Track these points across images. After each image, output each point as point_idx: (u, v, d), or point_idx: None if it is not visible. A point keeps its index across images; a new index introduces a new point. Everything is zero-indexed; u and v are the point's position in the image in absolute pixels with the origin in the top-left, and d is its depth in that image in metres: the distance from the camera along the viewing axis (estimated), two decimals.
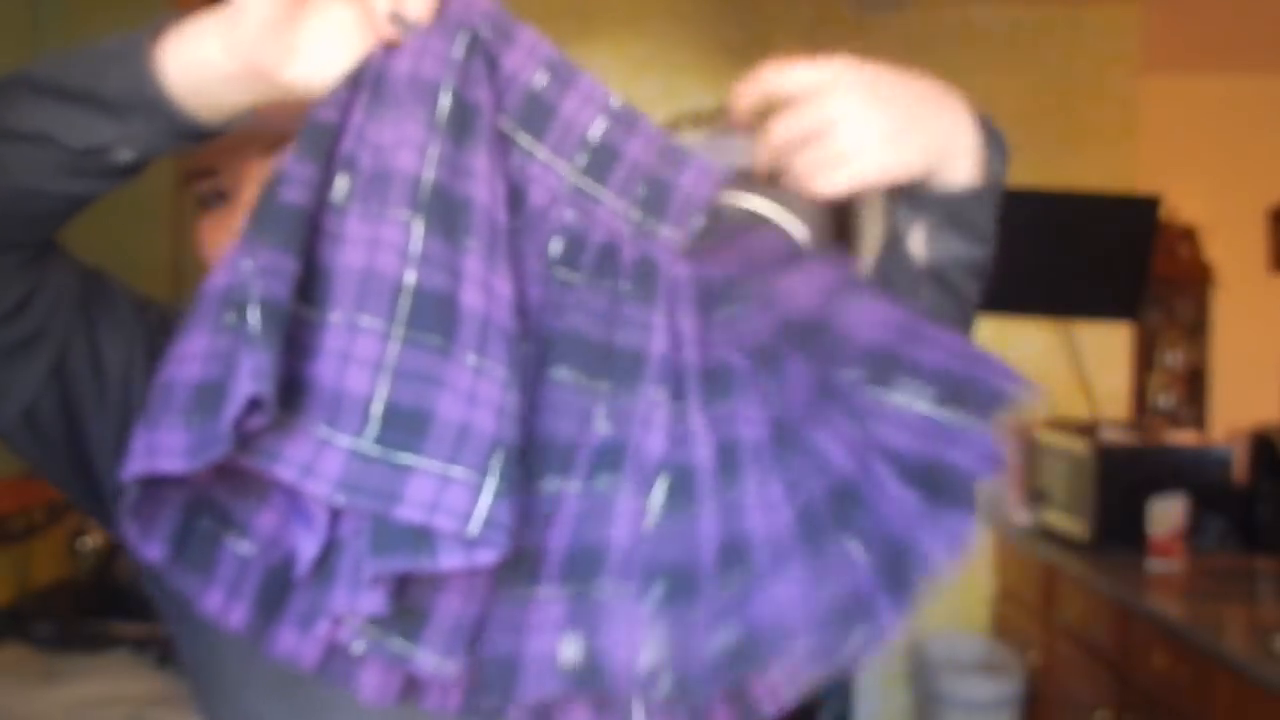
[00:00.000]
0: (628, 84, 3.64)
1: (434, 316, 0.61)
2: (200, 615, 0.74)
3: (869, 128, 0.73)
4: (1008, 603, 3.56)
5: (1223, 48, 4.03)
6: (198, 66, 0.65)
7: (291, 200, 0.62)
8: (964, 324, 0.89)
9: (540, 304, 0.70)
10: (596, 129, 0.72)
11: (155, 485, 0.64)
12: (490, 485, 0.60)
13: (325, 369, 0.61)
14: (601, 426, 0.69)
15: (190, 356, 0.62)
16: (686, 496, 0.67)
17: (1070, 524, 3.24)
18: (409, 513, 0.59)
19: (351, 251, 0.63)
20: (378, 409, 0.60)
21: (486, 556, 0.60)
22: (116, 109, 0.66)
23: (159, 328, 0.84)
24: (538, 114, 0.70)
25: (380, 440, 0.60)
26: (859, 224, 3.76)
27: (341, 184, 0.65)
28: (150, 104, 0.66)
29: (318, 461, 0.60)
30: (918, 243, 0.81)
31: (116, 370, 0.79)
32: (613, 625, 0.66)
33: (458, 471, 0.60)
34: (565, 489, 0.68)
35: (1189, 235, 4.34)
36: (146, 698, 1.72)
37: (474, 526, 0.59)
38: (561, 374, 0.69)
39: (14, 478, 2.07)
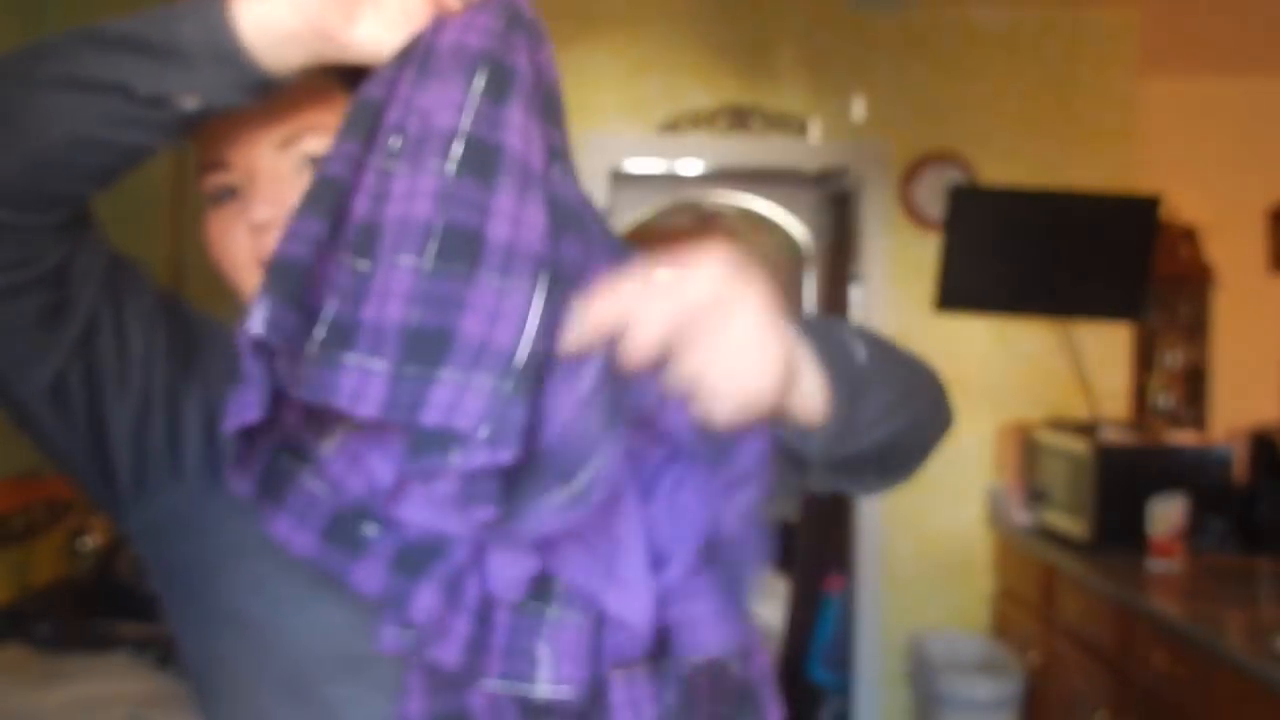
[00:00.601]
0: (628, 84, 3.64)
1: (459, 248, 0.67)
2: (207, 613, 0.74)
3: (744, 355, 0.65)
4: (1008, 603, 3.56)
5: (1223, 49, 4.03)
6: (266, 23, 0.69)
7: (332, 173, 0.69)
8: (930, 413, 0.86)
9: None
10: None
11: (249, 434, 0.73)
12: (505, 389, 0.65)
13: (371, 309, 0.67)
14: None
15: None
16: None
17: (1070, 524, 3.24)
18: (431, 417, 0.65)
19: (395, 206, 0.69)
20: (408, 333, 0.66)
21: (504, 455, 0.64)
22: (190, 58, 0.69)
23: (179, 322, 0.84)
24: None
25: (411, 360, 0.66)
26: (859, 226, 3.76)
27: (394, 148, 0.70)
28: (225, 54, 0.69)
29: (364, 387, 0.66)
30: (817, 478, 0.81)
31: (138, 353, 0.80)
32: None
33: (477, 380, 0.65)
34: None
35: (1189, 235, 4.34)
36: (146, 698, 1.72)
37: (487, 428, 0.64)
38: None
39: (14, 477, 2.07)
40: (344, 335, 0.68)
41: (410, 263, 0.67)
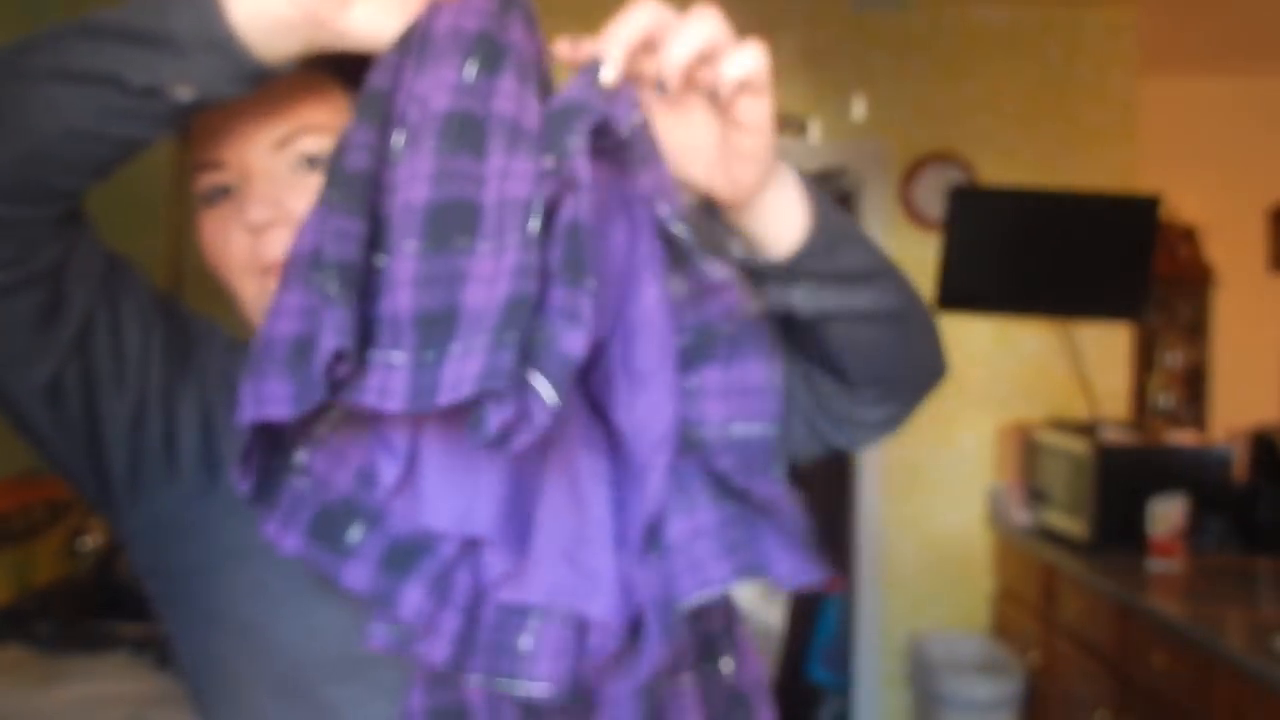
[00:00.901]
0: None
1: (456, 222, 0.66)
2: (206, 614, 0.74)
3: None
4: (1008, 603, 3.56)
5: (1222, 49, 4.03)
6: (260, 10, 0.68)
7: (356, 166, 0.68)
8: (920, 337, 0.87)
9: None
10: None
11: (256, 431, 0.71)
12: (499, 343, 0.63)
13: (386, 302, 0.67)
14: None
15: (286, 312, 0.69)
16: None
17: (1070, 524, 3.24)
18: (446, 396, 0.63)
19: (399, 194, 0.68)
20: (420, 319, 0.65)
21: (505, 409, 0.62)
22: (184, 47, 0.67)
23: (176, 324, 0.84)
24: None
25: (426, 346, 0.65)
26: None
27: (398, 140, 0.70)
28: (219, 43, 0.68)
29: (389, 382, 0.65)
30: (800, 302, 0.80)
31: (135, 353, 0.80)
32: None
33: (476, 343, 0.64)
34: None
35: (1189, 235, 4.34)
36: (146, 698, 1.72)
37: (480, 382, 0.62)
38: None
39: (14, 478, 2.08)
40: (367, 333, 0.67)
41: (413, 248, 0.66)
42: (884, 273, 0.81)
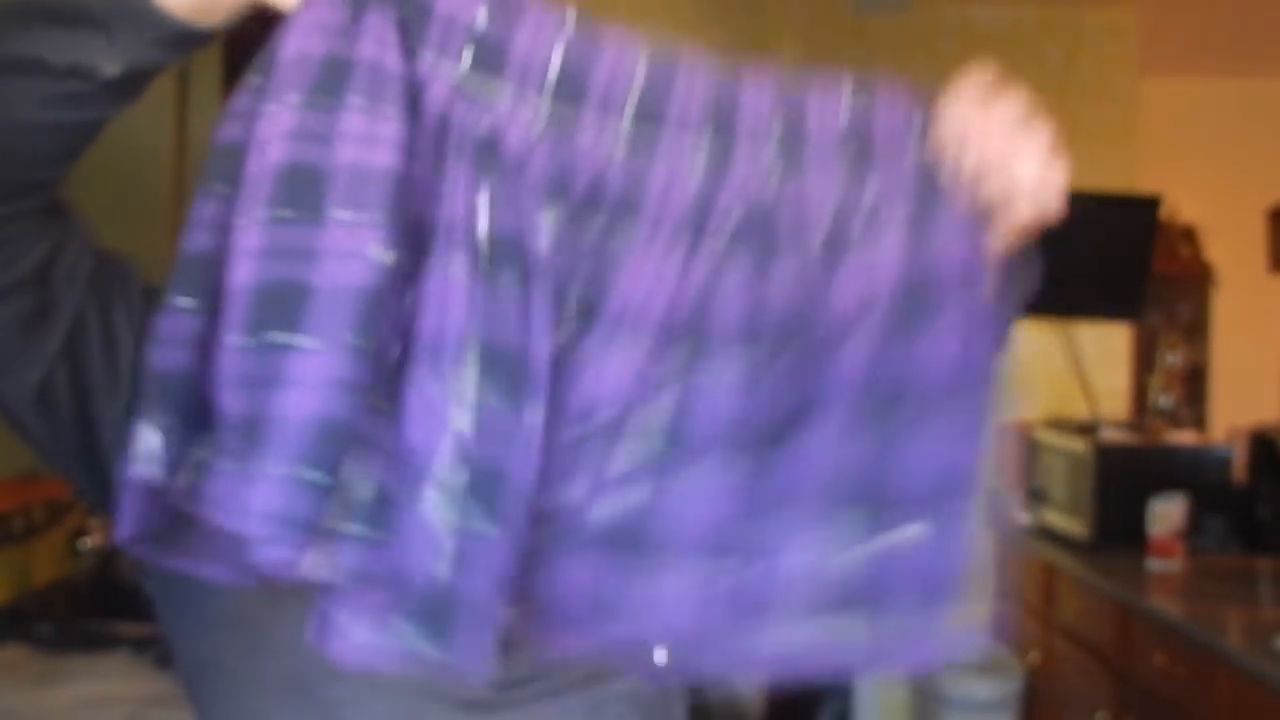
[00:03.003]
0: None
1: (301, 189, 0.63)
2: (205, 614, 0.74)
3: None
4: (1008, 603, 3.55)
5: (1222, 49, 4.03)
6: None
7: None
8: None
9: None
10: (556, 56, 0.70)
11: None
12: (348, 343, 0.61)
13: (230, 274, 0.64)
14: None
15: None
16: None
17: (1070, 524, 3.24)
18: (291, 403, 0.60)
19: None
20: (255, 295, 0.62)
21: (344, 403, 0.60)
22: (102, 21, 0.65)
23: None
24: (488, 55, 0.69)
25: (260, 326, 0.62)
26: None
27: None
28: (135, 11, 0.65)
29: (220, 365, 0.62)
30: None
31: (128, 354, 0.78)
32: None
33: (310, 342, 0.61)
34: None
35: (1189, 235, 4.34)
36: (146, 698, 1.72)
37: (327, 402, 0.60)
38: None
39: (14, 477, 2.08)
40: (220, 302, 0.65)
41: (257, 216, 0.63)
42: None
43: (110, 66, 0.66)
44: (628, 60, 0.71)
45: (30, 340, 0.74)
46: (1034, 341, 3.66)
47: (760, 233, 0.70)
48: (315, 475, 0.60)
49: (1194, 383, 4.41)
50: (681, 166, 0.70)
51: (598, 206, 0.70)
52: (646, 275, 0.69)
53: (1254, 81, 4.30)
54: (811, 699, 4.04)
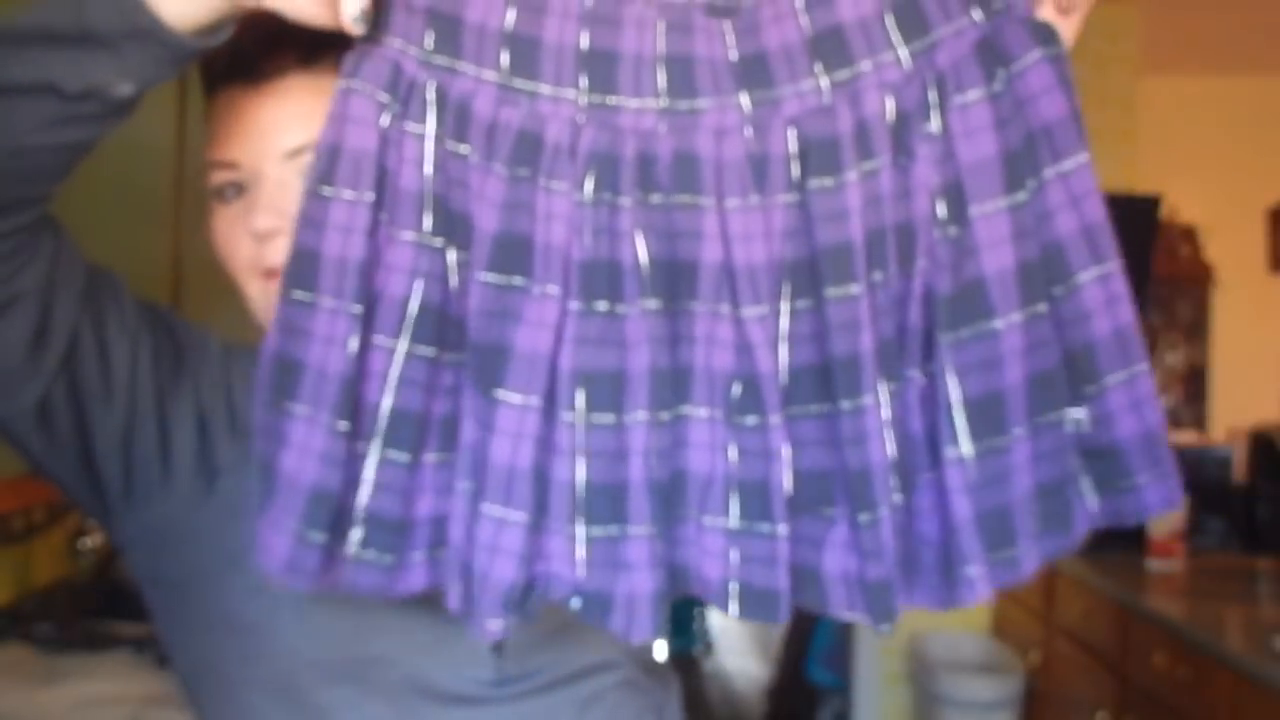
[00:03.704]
0: None
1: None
2: (208, 614, 0.73)
3: None
4: (1008, 603, 3.56)
5: (1223, 49, 4.03)
6: None
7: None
8: None
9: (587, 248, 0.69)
10: (584, 40, 0.70)
11: None
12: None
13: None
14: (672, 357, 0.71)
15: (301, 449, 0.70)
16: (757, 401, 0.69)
17: None
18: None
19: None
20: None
21: None
22: (110, 43, 0.64)
23: (164, 332, 0.84)
24: (522, 52, 0.69)
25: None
26: None
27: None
28: (143, 31, 0.65)
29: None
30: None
31: (123, 367, 0.78)
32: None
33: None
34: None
35: (1189, 235, 4.34)
36: (146, 698, 1.72)
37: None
38: (650, 304, 0.69)
39: (14, 478, 2.07)
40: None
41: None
42: None
43: (124, 86, 0.66)
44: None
45: (31, 358, 0.73)
46: None
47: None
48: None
49: (1194, 383, 4.40)
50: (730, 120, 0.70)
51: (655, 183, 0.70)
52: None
53: (1254, 81, 4.30)
54: (811, 699, 4.04)
